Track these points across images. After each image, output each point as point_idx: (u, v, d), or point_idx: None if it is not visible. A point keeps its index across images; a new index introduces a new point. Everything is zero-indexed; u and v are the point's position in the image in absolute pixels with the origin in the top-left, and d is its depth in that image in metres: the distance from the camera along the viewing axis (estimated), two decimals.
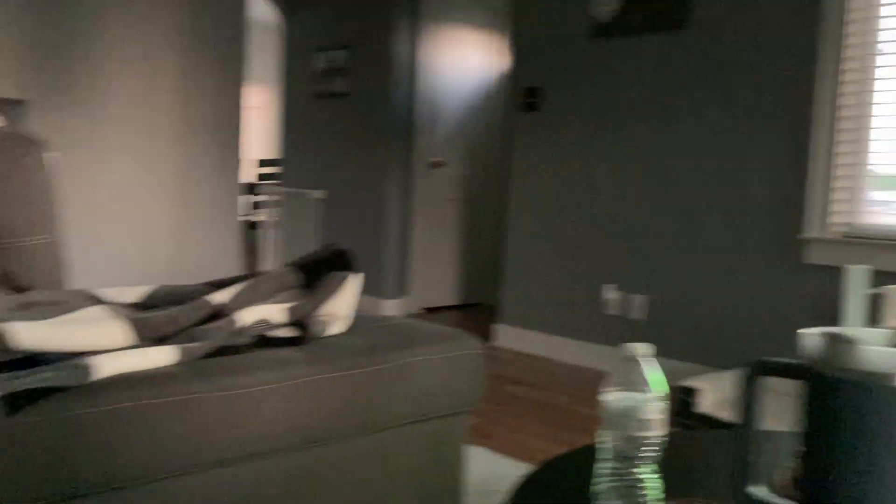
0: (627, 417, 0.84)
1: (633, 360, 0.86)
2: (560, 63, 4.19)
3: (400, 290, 5.43)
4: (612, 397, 0.86)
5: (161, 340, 1.44)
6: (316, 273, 1.70)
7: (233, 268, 4.14)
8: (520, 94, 4.40)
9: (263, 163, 7.84)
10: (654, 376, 0.86)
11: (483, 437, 2.76)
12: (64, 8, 3.42)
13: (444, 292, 5.72)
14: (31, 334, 1.29)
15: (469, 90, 5.68)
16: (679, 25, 3.67)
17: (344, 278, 1.68)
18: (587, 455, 1.19)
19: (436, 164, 5.51)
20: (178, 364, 1.40)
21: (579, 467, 1.16)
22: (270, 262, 6.21)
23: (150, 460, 1.33)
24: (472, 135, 5.75)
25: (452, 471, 1.84)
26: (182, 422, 1.35)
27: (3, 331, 1.27)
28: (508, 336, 4.46)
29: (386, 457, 1.69)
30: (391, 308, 5.28)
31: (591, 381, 3.71)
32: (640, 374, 0.85)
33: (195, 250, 3.94)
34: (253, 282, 1.61)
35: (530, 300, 4.37)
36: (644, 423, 0.84)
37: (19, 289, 1.58)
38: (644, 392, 0.85)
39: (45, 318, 1.39)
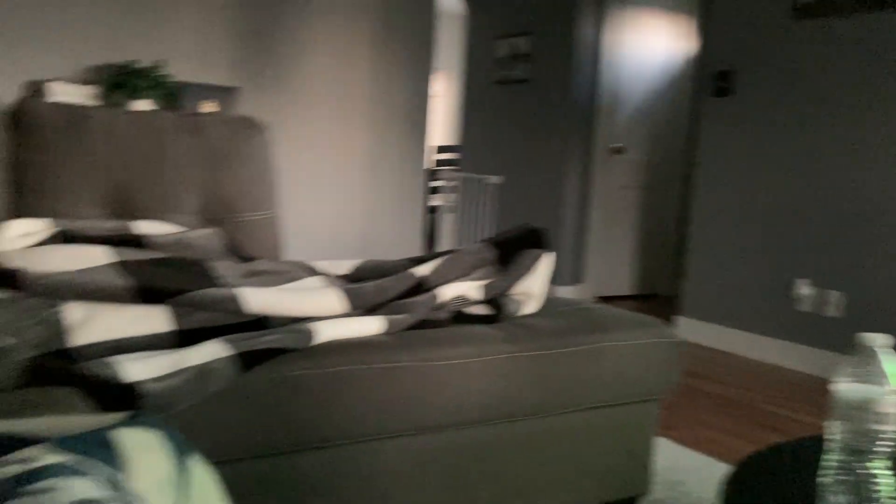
0: (862, 410, 0.80)
1: (870, 351, 0.82)
2: (756, 45, 3.98)
3: (575, 278, 5.40)
4: (846, 388, 0.82)
5: (370, 311, 1.53)
6: (510, 251, 1.73)
7: (415, 250, 4.29)
8: (710, 77, 4.22)
9: (441, 149, 8.04)
10: (893, 368, 0.82)
11: (666, 429, 2.71)
12: (271, 2, 3.67)
13: (620, 281, 5.62)
14: (259, 300, 1.42)
15: (653, 75, 5.52)
16: (894, 4, 3.38)
17: (538, 257, 1.70)
18: (799, 448, 1.15)
19: (615, 151, 5.41)
20: (385, 334, 1.49)
21: (791, 460, 1.12)
22: (446, 245, 6.37)
23: (358, 422, 1.43)
24: (654, 121, 5.59)
25: (641, 459, 1.82)
26: (387, 388, 1.43)
27: (236, 296, 1.40)
28: (690, 328, 4.31)
29: (575, 438, 1.71)
30: (565, 295, 5.26)
31: (779, 380, 3.52)
32: (878, 365, 0.81)
33: (381, 231, 4.12)
34: (451, 257, 1.66)
35: (715, 293, 4.21)
36: (880, 417, 0.80)
37: (244, 258, 1.73)
38: (882, 385, 0.80)
39: (270, 285, 1.51)
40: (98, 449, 0.65)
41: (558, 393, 1.63)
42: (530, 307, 1.71)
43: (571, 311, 1.77)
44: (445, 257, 1.67)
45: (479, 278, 1.65)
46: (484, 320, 1.64)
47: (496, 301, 1.67)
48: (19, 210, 1.69)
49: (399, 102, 4.11)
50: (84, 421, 0.76)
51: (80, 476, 0.52)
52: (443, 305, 1.59)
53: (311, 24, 3.80)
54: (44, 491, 0.46)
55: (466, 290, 1.62)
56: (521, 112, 5.65)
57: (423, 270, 1.60)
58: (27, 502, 0.45)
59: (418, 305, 1.54)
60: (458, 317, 1.63)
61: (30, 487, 0.47)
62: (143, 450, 0.67)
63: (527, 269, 1.67)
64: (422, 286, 1.57)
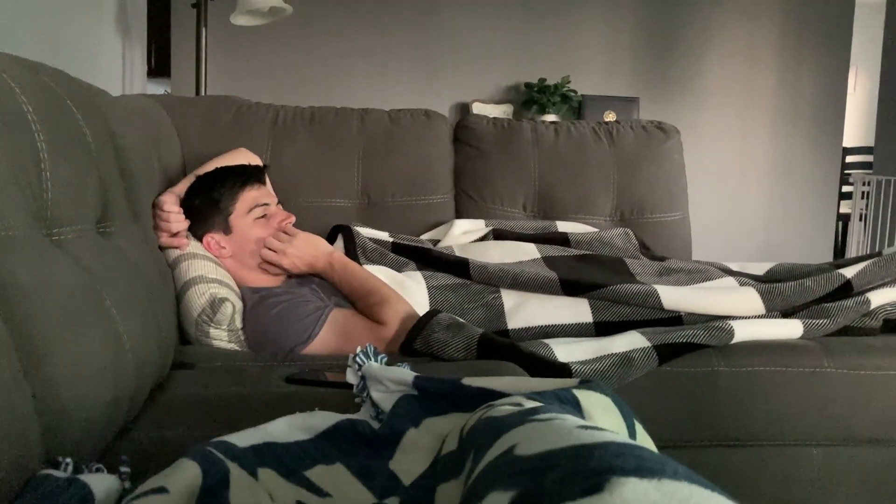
0: None
1: None
2: None
3: None
4: None
5: (785, 315, 1.48)
6: None
7: (823, 260, 3.97)
8: None
9: (849, 151, 7.28)
10: None
11: None
12: (671, 8, 3.70)
13: None
14: (675, 297, 1.46)
15: None
16: None
17: None
18: None
19: None
20: (801, 338, 1.43)
21: None
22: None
23: (776, 424, 1.39)
24: None
25: None
26: (809, 393, 1.38)
27: (656, 291, 1.46)
28: None
29: None
30: None
31: None
32: None
33: (785, 238, 3.89)
34: (883, 259, 1.53)
35: None
36: None
37: (655, 258, 1.79)
38: None
39: (684, 284, 1.55)
40: (564, 403, 0.75)
41: None
42: None
43: None
44: (873, 259, 1.54)
45: None
46: None
47: None
48: (460, 211, 1.96)
49: (809, 101, 3.85)
50: (541, 383, 0.87)
51: (570, 414, 0.62)
52: (873, 312, 1.47)
53: (712, 29, 3.75)
54: (551, 419, 0.57)
55: None
56: None
57: (849, 272, 1.50)
58: (544, 425, 0.55)
59: (845, 310, 1.45)
60: (890, 325, 1.50)
61: (538, 416, 0.58)
62: (600, 408, 0.75)
63: None
64: (849, 288, 1.47)
